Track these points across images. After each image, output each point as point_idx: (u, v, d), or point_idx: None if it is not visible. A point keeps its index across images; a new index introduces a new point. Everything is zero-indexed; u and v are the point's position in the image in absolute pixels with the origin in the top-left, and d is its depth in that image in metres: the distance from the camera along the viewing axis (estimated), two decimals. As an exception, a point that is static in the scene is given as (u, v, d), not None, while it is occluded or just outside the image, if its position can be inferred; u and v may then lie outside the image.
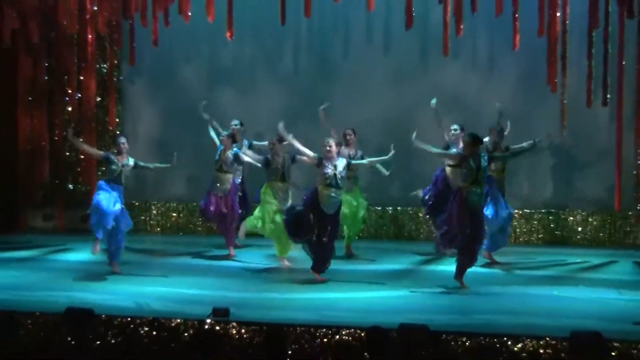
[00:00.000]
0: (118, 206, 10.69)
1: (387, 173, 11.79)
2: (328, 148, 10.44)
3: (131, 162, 10.86)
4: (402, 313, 8.84)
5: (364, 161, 11.10)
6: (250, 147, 12.47)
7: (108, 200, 10.63)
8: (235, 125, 12.46)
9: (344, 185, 10.64)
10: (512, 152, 11.24)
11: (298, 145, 10.62)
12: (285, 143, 11.06)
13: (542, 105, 12.96)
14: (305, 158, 10.65)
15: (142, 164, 11.04)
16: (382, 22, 13.56)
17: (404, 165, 12.41)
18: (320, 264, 10.54)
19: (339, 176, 10.42)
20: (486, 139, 11.05)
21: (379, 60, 13.80)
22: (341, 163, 10.50)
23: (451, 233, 10.03)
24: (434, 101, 11.56)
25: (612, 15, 11.91)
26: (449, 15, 12.07)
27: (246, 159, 11.80)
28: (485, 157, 10.12)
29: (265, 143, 11.97)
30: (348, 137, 11.89)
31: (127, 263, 11.49)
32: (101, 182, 10.83)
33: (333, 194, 10.42)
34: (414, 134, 10.07)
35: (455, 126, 11.67)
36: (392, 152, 10.61)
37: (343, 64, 13.96)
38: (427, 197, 11.89)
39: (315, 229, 10.40)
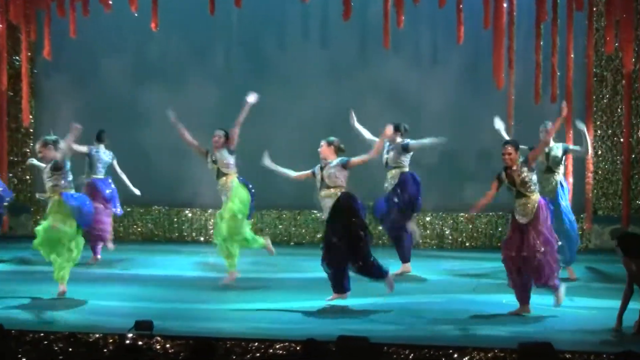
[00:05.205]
0: None
1: None
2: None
3: None
4: (340, 324, 8.78)
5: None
6: None
7: None
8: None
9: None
10: None
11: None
12: None
13: (488, 102, 12.93)
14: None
15: None
16: (319, 13, 13.51)
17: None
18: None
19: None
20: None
21: (316, 54, 13.75)
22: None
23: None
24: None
25: (561, 7, 11.98)
26: (389, 5, 12.02)
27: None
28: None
29: None
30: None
31: (38, 272, 11.19)
32: None
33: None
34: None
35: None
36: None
37: (277, 58, 13.84)
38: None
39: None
